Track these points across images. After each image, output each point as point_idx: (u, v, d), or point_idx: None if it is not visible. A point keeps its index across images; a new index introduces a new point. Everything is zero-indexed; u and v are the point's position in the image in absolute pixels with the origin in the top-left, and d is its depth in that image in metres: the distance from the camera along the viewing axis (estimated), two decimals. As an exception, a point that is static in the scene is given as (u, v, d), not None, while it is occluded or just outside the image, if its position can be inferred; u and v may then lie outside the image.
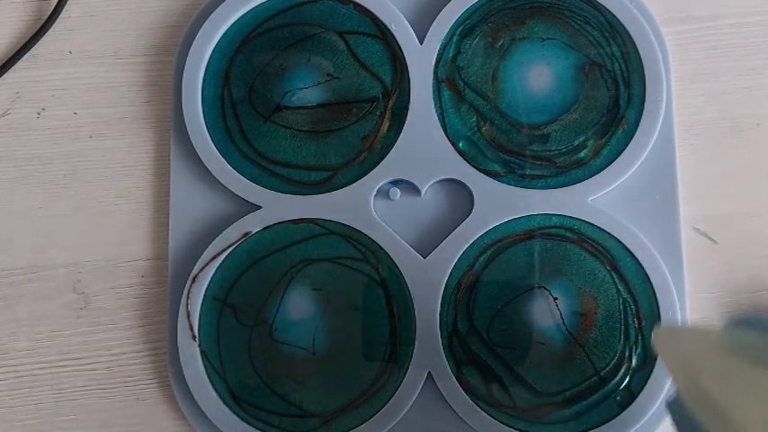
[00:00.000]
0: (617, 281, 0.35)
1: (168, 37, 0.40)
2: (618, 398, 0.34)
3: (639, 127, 0.36)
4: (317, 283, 0.36)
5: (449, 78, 0.37)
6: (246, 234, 0.36)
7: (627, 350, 0.34)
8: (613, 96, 0.36)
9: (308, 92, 0.37)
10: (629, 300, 0.35)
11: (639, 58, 0.36)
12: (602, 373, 0.34)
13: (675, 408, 0.24)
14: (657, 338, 0.26)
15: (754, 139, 0.38)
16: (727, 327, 0.23)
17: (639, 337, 0.34)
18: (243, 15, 0.38)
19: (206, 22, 0.37)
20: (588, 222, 0.35)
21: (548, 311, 0.35)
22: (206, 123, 0.37)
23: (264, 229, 0.36)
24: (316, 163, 0.37)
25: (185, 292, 0.35)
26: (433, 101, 0.36)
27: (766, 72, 0.38)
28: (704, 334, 0.24)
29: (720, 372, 0.22)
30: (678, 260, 0.35)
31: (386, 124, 0.37)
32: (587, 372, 0.34)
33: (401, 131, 0.36)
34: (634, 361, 0.34)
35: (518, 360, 0.35)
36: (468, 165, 0.36)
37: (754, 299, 0.37)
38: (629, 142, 0.36)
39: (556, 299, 0.35)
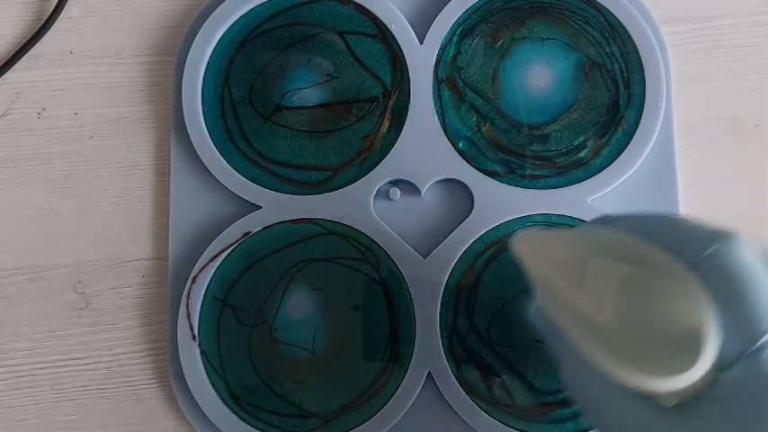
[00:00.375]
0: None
1: (168, 37, 0.40)
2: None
3: (639, 127, 0.36)
4: (316, 283, 0.36)
5: (449, 78, 0.37)
6: (246, 234, 0.36)
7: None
8: (613, 96, 0.36)
9: (308, 92, 0.37)
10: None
11: (639, 58, 0.36)
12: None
13: (536, 314, 0.26)
14: (518, 240, 0.26)
15: (754, 139, 0.38)
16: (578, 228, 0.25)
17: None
18: (243, 15, 0.38)
19: (206, 22, 0.37)
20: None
21: None
22: (206, 123, 0.37)
23: (264, 229, 0.36)
24: (316, 163, 0.37)
25: (185, 292, 0.35)
26: (433, 101, 0.36)
27: (766, 72, 0.38)
28: (562, 235, 0.25)
29: (582, 276, 0.23)
30: (678, 260, 0.35)
31: (386, 124, 0.37)
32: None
33: (401, 131, 0.36)
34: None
35: (518, 358, 0.34)
36: (468, 165, 0.36)
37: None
38: (629, 142, 0.36)
39: None
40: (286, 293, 0.36)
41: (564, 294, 0.23)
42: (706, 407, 0.21)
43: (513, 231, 0.35)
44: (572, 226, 0.27)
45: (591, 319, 0.22)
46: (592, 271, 0.23)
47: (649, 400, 0.22)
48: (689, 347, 0.20)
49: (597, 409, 0.23)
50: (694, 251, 0.21)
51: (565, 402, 0.34)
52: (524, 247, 0.25)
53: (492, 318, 0.35)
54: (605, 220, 0.26)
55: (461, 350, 0.35)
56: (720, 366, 0.21)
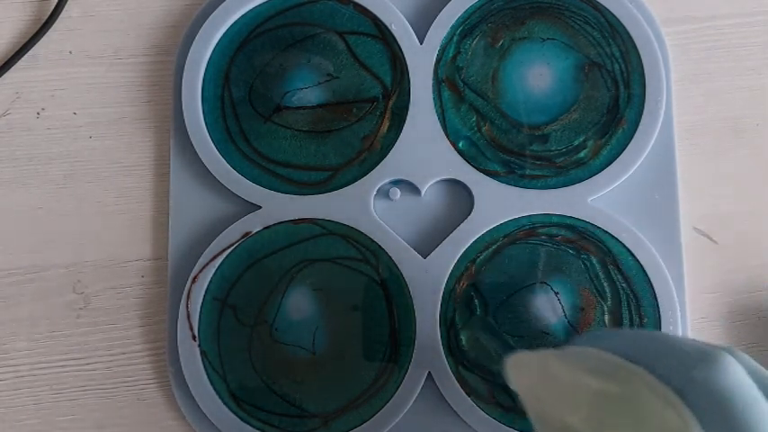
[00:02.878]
0: (618, 279, 0.35)
1: (168, 37, 0.40)
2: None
3: (639, 127, 0.36)
4: (317, 283, 0.36)
5: (449, 78, 0.37)
6: (246, 234, 0.36)
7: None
8: (613, 96, 0.36)
9: (308, 92, 0.37)
10: (631, 297, 0.35)
11: (639, 58, 0.36)
12: None
13: None
14: (510, 365, 0.26)
15: (754, 139, 0.38)
16: (564, 347, 0.25)
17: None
18: (243, 15, 0.38)
19: (206, 22, 0.37)
20: (588, 222, 0.35)
21: (549, 307, 0.35)
22: (206, 123, 0.37)
23: (264, 229, 0.36)
24: (316, 163, 0.37)
25: (185, 292, 0.35)
26: (433, 101, 0.36)
27: (766, 72, 0.38)
28: (549, 355, 0.25)
29: (563, 394, 0.23)
30: (678, 260, 0.35)
31: (386, 124, 0.37)
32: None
33: (401, 131, 0.36)
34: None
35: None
36: (468, 165, 0.36)
37: (754, 298, 0.37)
38: (629, 142, 0.36)
39: (557, 293, 0.35)
40: (286, 293, 0.35)
41: (556, 421, 0.23)
42: None
43: (514, 232, 0.35)
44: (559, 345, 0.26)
45: None
46: (582, 394, 0.22)
47: None
48: None
49: None
50: (681, 373, 0.21)
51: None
52: (514, 376, 0.25)
53: (492, 315, 0.35)
54: (594, 339, 0.25)
55: (458, 347, 0.35)
56: None
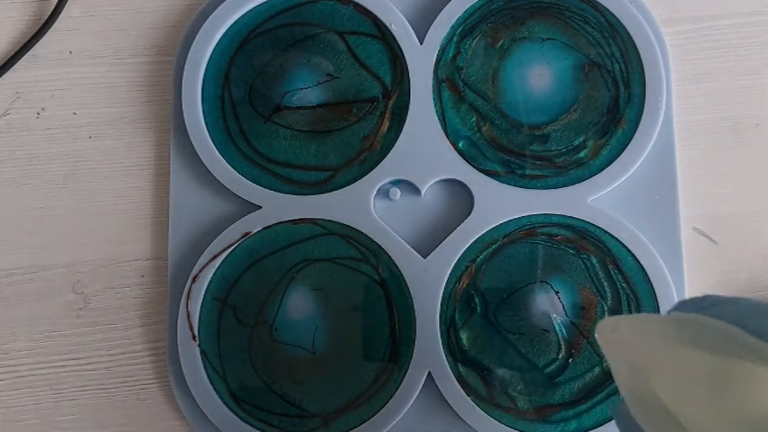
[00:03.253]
0: (618, 278, 0.35)
1: (168, 37, 0.40)
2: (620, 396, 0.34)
3: (639, 127, 0.36)
4: (317, 283, 0.36)
5: (449, 78, 0.37)
6: (246, 234, 0.36)
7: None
8: (613, 96, 0.36)
9: (308, 92, 0.37)
10: (631, 297, 0.35)
11: (639, 58, 0.36)
12: (604, 366, 0.34)
13: (621, 415, 0.23)
14: (601, 332, 0.23)
15: (754, 139, 0.38)
16: (671, 313, 0.22)
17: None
18: (243, 15, 0.38)
19: (206, 22, 0.37)
20: (588, 222, 0.35)
21: (549, 305, 0.35)
22: (206, 123, 0.37)
23: (264, 229, 0.36)
24: (316, 163, 0.37)
25: (185, 292, 0.35)
26: (433, 101, 0.36)
27: (766, 72, 0.38)
28: (649, 323, 0.22)
29: (668, 370, 0.20)
30: (678, 260, 0.35)
31: (386, 124, 0.37)
32: (594, 361, 0.34)
33: (401, 131, 0.36)
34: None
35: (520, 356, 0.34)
36: (468, 165, 0.36)
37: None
38: (629, 142, 0.36)
39: (558, 292, 0.35)
40: (286, 293, 0.35)
41: (653, 394, 0.20)
42: None
43: (514, 232, 0.35)
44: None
45: (684, 417, 0.19)
46: (697, 371, 0.19)
47: None
48: None
49: None
50: None
51: (567, 404, 0.34)
52: (606, 338, 0.23)
53: (493, 315, 0.35)
54: (703, 304, 0.22)
55: (457, 345, 0.35)
56: None
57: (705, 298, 0.22)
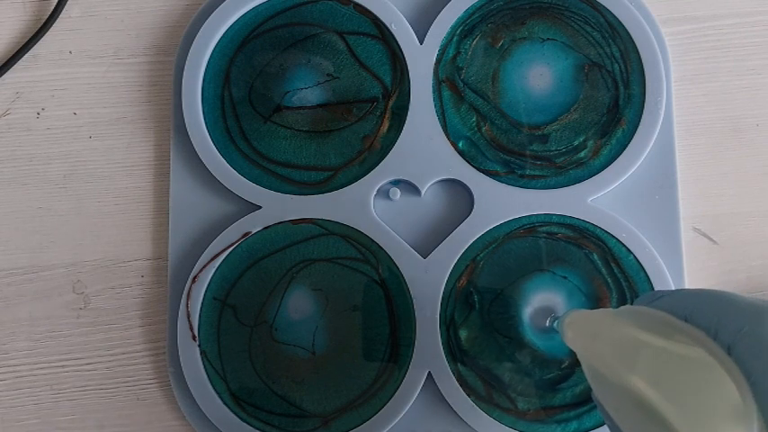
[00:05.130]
0: (619, 277, 0.35)
1: (168, 37, 0.40)
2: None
3: (639, 127, 0.36)
4: (316, 283, 0.36)
5: (449, 78, 0.37)
6: (246, 234, 0.36)
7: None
8: (613, 96, 0.36)
9: (308, 92, 0.37)
10: (634, 296, 0.35)
11: (639, 58, 0.36)
12: None
13: (594, 396, 0.26)
14: (568, 322, 0.27)
15: (754, 139, 0.38)
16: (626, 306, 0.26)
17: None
18: (243, 15, 0.38)
19: (206, 22, 0.37)
20: (588, 222, 0.35)
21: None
22: (206, 123, 0.37)
23: (264, 229, 0.36)
24: (316, 163, 0.37)
25: (185, 292, 0.35)
26: (433, 101, 0.36)
27: (766, 72, 0.38)
28: (596, 313, 0.27)
29: (605, 342, 0.24)
30: (678, 260, 0.35)
31: (386, 124, 0.37)
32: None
33: (401, 131, 0.36)
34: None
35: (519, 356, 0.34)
36: (468, 165, 0.36)
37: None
38: (628, 142, 0.36)
39: (565, 277, 0.35)
40: (286, 294, 0.35)
41: (615, 378, 0.23)
42: None
43: (514, 232, 0.35)
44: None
45: (642, 399, 0.22)
46: (642, 352, 0.23)
47: None
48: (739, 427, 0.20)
49: None
50: (730, 330, 0.21)
51: (569, 405, 0.34)
52: (572, 333, 0.27)
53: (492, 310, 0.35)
54: (652, 298, 0.25)
55: (457, 344, 0.35)
56: None
57: (655, 293, 0.26)
